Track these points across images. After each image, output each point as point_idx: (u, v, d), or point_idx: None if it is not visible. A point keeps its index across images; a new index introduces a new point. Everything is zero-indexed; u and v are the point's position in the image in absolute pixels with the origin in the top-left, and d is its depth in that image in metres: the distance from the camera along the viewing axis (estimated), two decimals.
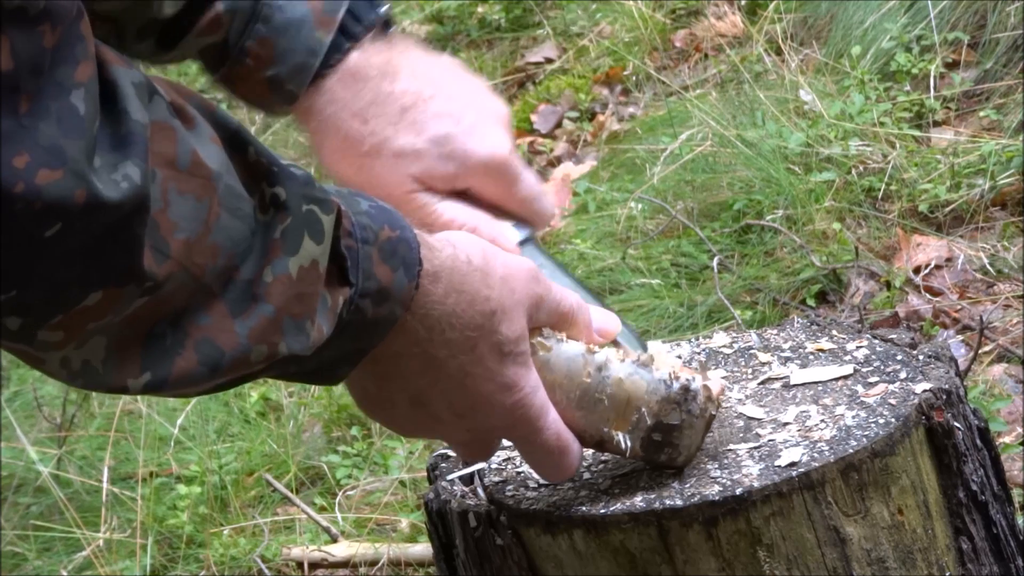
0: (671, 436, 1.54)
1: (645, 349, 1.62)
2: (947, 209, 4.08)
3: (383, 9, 1.72)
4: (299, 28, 1.66)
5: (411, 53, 1.73)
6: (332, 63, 1.69)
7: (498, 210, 1.73)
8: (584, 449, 1.57)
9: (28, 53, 1.11)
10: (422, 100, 1.69)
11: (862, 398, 1.67)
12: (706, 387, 1.54)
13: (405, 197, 1.66)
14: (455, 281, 1.44)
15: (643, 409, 1.53)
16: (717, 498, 1.54)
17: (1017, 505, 2.62)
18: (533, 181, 1.74)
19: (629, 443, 1.54)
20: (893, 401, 1.65)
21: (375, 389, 1.50)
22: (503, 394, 1.48)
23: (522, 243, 1.73)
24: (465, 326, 1.45)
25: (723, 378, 1.80)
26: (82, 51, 1.15)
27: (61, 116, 1.13)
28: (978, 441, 1.69)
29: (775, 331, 1.89)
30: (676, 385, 1.53)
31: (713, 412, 1.55)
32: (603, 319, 1.59)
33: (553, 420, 1.51)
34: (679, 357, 1.85)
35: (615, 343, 1.60)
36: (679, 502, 1.54)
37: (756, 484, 1.54)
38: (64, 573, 3.63)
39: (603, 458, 1.66)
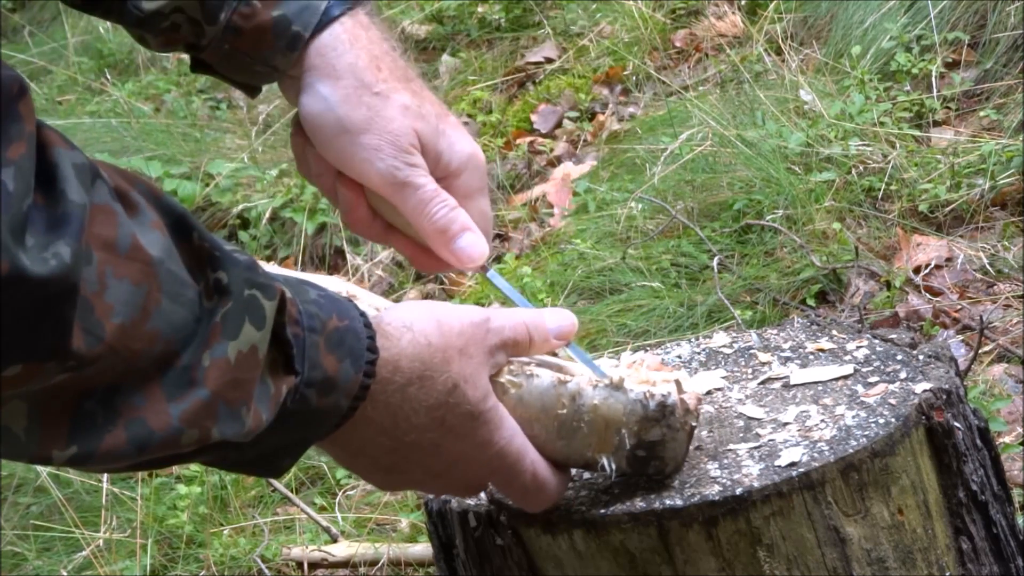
0: (655, 451, 1.54)
1: (597, 368, 1.60)
2: (947, 209, 4.08)
3: None
4: None
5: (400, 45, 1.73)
6: (344, 11, 1.67)
7: None
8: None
9: None
10: (419, 82, 1.69)
11: (862, 398, 1.67)
12: (682, 400, 1.53)
13: (407, 146, 1.64)
14: (416, 367, 1.44)
15: (623, 431, 1.53)
16: (717, 498, 1.54)
17: (1017, 505, 2.62)
18: (489, 207, 1.73)
19: (614, 464, 1.54)
20: (893, 401, 1.65)
21: (347, 461, 1.51)
22: (478, 452, 1.49)
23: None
24: (429, 408, 1.45)
25: (723, 378, 1.80)
26: (16, 131, 1.15)
27: None
28: (978, 441, 1.69)
29: (775, 331, 1.89)
30: (652, 403, 1.52)
31: (693, 423, 1.55)
32: (558, 320, 1.58)
33: (530, 463, 1.52)
34: (661, 359, 1.84)
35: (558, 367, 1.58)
36: (679, 502, 1.54)
37: (756, 484, 1.54)
38: (64, 573, 3.63)
39: None
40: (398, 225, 1.69)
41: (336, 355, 1.38)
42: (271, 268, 1.45)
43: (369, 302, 1.52)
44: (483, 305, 4.36)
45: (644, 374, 1.57)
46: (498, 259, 4.77)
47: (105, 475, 3.79)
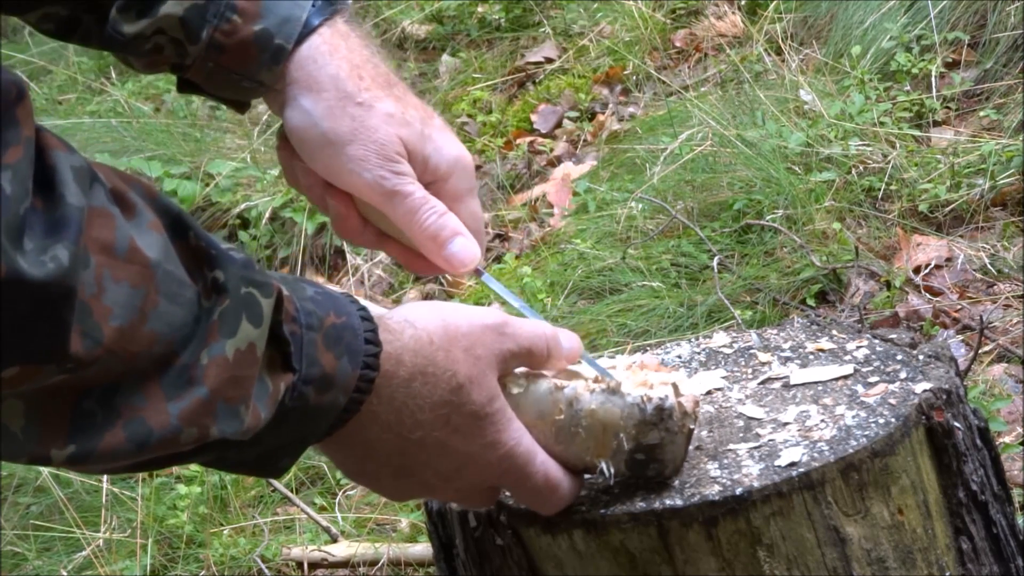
0: (654, 454, 1.54)
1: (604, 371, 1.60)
2: (947, 209, 4.08)
3: (349, 1, 1.71)
4: None
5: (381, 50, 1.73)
6: (322, 21, 1.65)
7: None
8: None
9: None
10: (402, 87, 1.68)
11: (862, 398, 1.67)
12: (680, 403, 1.53)
13: (393, 155, 1.63)
14: (419, 363, 1.44)
15: (621, 435, 1.52)
16: (717, 498, 1.54)
17: (1017, 505, 2.62)
18: (480, 205, 1.73)
19: (613, 468, 1.54)
20: (893, 401, 1.65)
21: (355, 466, 1.50)
22: (487, 452, 1.49)
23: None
24: (435, 405, 1.45)
25: (723, 378, 1.80)
26: (14, 136, 1.15)
27: None
28: (978, 441, 1.69)
29: (775, 331, 1.89)
30: (650, 407, 1.52)
31: (691, 425, 1.55)
32: (568, 343, 1.57)
33: (541, 463, 1.52)
34: (660, 360, 1.84)
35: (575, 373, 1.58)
36: (679, 502, 1.54)
37: (756, 484, 1.54)
38: (64, 573, 3.63)
39: None
40: (390, 232, 1.69)
41: (334, 352, 1.38)
42: None
43: None
44: (482, 306, 4.36)
45: (644, 375, 1.57)
46: (498, 259, 4.77)
47: (105, 475, 3.79)
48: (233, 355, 1.30)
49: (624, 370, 1.59)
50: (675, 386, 1.54)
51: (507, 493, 1.63)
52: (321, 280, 5.05)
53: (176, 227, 1.29)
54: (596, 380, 1.55)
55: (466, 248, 1.64)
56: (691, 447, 1.62)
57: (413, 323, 1.46)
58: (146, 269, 1.24)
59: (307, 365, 1.37)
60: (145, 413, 1.27)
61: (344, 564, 3.50)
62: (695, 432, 1.61)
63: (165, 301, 1.26)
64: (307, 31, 1.65)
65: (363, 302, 1.49)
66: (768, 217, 4.14)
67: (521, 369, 1.54)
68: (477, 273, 1.67)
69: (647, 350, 1.92)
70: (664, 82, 5.25)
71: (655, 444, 1.53)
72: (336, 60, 1.64)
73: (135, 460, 1.30)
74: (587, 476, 1.62)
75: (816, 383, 1.74)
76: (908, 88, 4.57)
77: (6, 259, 1.14)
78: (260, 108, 5.84)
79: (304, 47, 1.64)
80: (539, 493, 1.53)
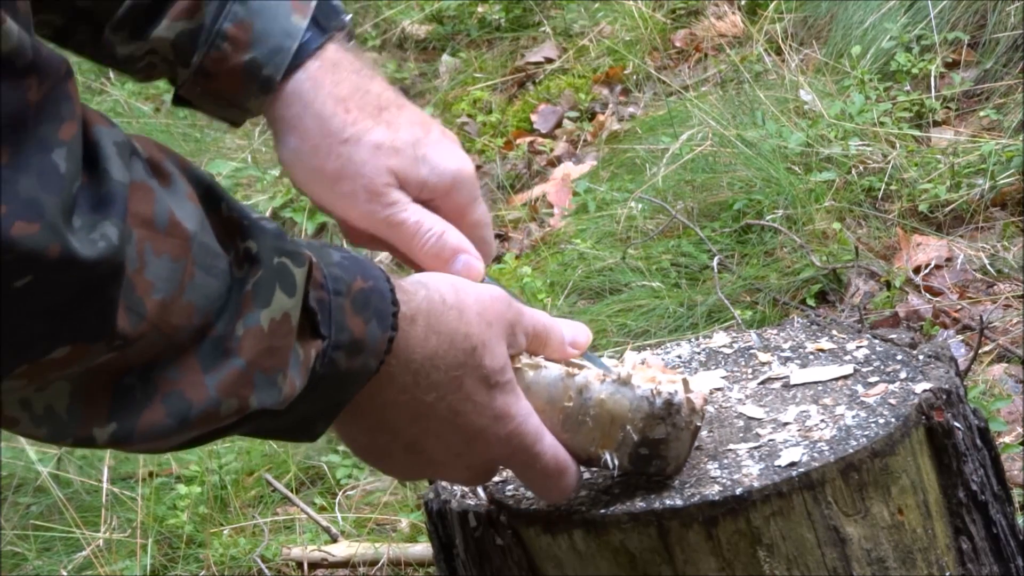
0: (658, 449, 1.54)
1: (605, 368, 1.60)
2: (947, 209, 4.08)
3: (347, 17, 1.71)
4: (275, 11, 1.62)
5: (374, 68, 1.72)
6: (310, 53, 1.65)
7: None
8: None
9: (12, 106, 1.12)
10: (395, 105, 1.67)
11: (862, 398, 1.67)
12: (689, 399, 1.53)
13: (381, 188, 1.63)
14: (432, 322, 1.44)
15: (628, 427, 1.52)
16: (717, 498, 1.54)
17: (1017, 505, 2.62)
18: (486, 210, 1.72)
19: (617, 460, 1.54)
20: (893, 401, 1.65)
21: (367, 440, 1.50)
22: (497, 425, 1.49)
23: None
24: (449, 366, 1.45)
25: (723, 378, 1.80)
26: (68, 110, 1.15)
27: (41, 172, 1.13)
28: (978, 441, 1.69)
29: (775, 331, 1.89)
30: (659, 400, 1.52)
31: (698, 423, 1.55)
32: (574, 331, 1.58)
33: (550, 444, 1.52)
34: (662, 361, 1.84)
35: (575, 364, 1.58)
36: (679, 502, 1.54)
37: (756, 484, 1.54)
38: (64, 573, 3.63)
39: None
40: None
41: (362, 316, 1.38)
42: None
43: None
44: None
45: (652, 373, 1.57)
46: (498, 259, 4.77)
47: (105, 475, 3.79)
48: (268, 325, 1.30)
49: (632, 366, 1.59)
50: (685, 382, 1.54)
51: (508, 490, 1.63)
52: None
53: (209, 197, 1.29)
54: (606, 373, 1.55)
55: (469, 265, 1.64)
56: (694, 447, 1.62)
57: (425, 284, 1.47)
58: (184, 241, 1.24)
59: (336, 331, 1.36)
60: (183, 386, 1.27)
61: (344, 564, 3.50)
62: (700, 431, 1.61)
63: (201, 272, 1.26)
64: (295, 64, 1.64)
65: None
66: (768, 217, 4.14)
67: (525, 356, 1.54)
68: (481, 280, 1.68)
69: (644, 350, 1.92)
70: (664, 82, 5.25)
71: (661, 439, 1.53)
72: (321, 97, 1.64)
73: (180, 438, 1.30)
74: (587, 475, 1.62)
75: (816, 383, 1.74)
76: (908, 88, 4.57)
77: (59, 239, 1.13)
78: None
79: (290, 83, 1.64)
80: (547, 476, 1.53)
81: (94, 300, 1.18)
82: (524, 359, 1.53)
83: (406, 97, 1.72)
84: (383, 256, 4.94)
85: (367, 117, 1.65)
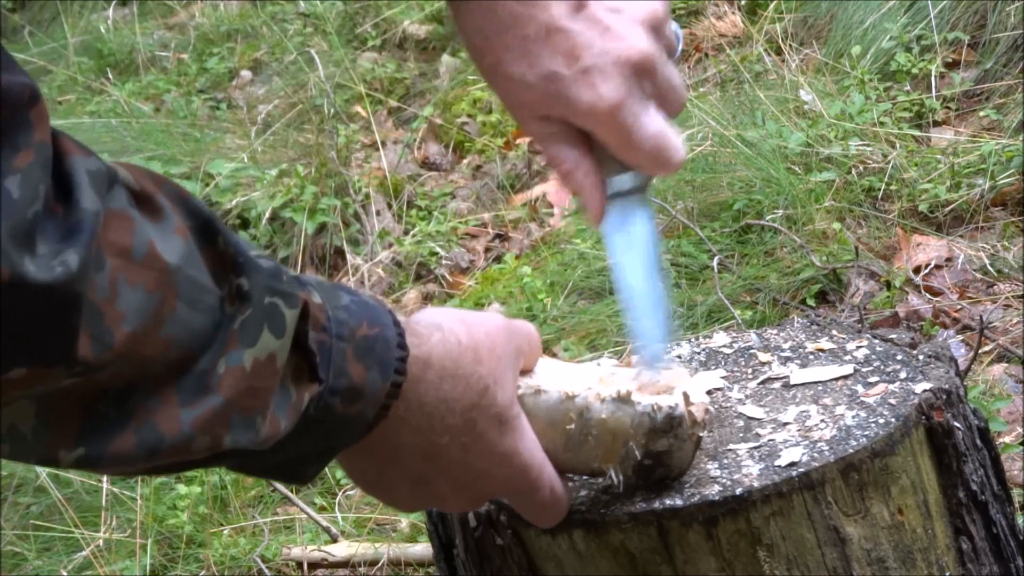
0: (661, 460, 1.54)
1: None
2: (947, 209, 4.08)
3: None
4: None
5: None
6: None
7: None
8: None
9: None
10: (552, 29, 1.54)
11: (862, 398, 1.67)
12: (690, 412, 1.53)
13: (524, 118, 1.56)
14: (448, 366, 1.43)
15: (630, 443, 1.52)
16: (717, 498, 1.54)
17: (1017, 505, 2.62)
18: (654, 126, 1.56)
19: (621, 476, 1.54)
20: (893, 401, 1.65)
21: (375, 475, 1.49)
22: (504, 462, 1.48)
23: (617, 195, 1.60)
24: (464, 409, 1.44)
25: (723, 378, 1.80)
26: (25, 140, 1.14)
27: None
28: (978, 441, 1.69)
29: (775, 331, 1.89)
30: (660, 416, 1.52)
31: (700, 434, 1.55)
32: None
33: (549, 476, 1.51)
34: (675, 361, 1.84)
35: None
36: (679, 502, 1.54)
37: (756, 484, 1.54)
38: (64, 573, 3.63)
39: None
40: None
41: (364, 363, 1.37)
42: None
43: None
44: (482, 306, 4.36)
45: (650, 384, 1.56)
46: (498, 259, 4.78)
47: (120, 476, 3.79)
48: (251, 365, 1.29)
49: (597, 381, 1.57)
50: (686, 395, 1.54)
51: None
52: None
53: (205, 231, 1.28)
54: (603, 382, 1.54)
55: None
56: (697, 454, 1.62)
57: (440, 326, 1.45)
58: (164, 275, 1.23)
59: (335, 376, 1.35)
60: (157, 418, 1.26)
61: (344, 564, 3.50)
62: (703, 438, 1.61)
63: (185, 306, 1.25)
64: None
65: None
66: (768, 217, 4.14)
67: (522, 381, 1.53)
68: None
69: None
70: None
71: (664, 451, 1.53)
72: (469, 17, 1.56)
73: (147, 465, 1.29)
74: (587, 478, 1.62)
75: (816, 383, 1.74)
76: (908, 88, 4.57)
77: (7, 262, 1.13)
78: (260, 108, 5.84)
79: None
80: (544, 507, 1.53)
81: (51, 325, 1.16)
82: (522, 384, 1.53)
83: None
84: (384, 255, 4.94)
85: (504, 49, 1.54)
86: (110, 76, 6.37)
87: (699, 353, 1.87)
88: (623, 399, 1.52)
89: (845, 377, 1.73)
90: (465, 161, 5.39)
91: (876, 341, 1.80)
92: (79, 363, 1.19)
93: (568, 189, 1.59)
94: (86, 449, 1.24)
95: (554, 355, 1.63)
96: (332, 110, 5.60)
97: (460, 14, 1.57)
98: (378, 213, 5.13)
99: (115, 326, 1.20)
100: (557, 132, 1.56)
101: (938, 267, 3.90)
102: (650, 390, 1.53)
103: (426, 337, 1.43)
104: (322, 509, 3.70)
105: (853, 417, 1.63)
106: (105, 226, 1.20)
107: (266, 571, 3.48)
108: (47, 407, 1.23)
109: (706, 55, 5.34)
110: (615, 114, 1.54)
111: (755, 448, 1.62)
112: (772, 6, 5.16)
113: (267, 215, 5.08)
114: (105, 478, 3.76)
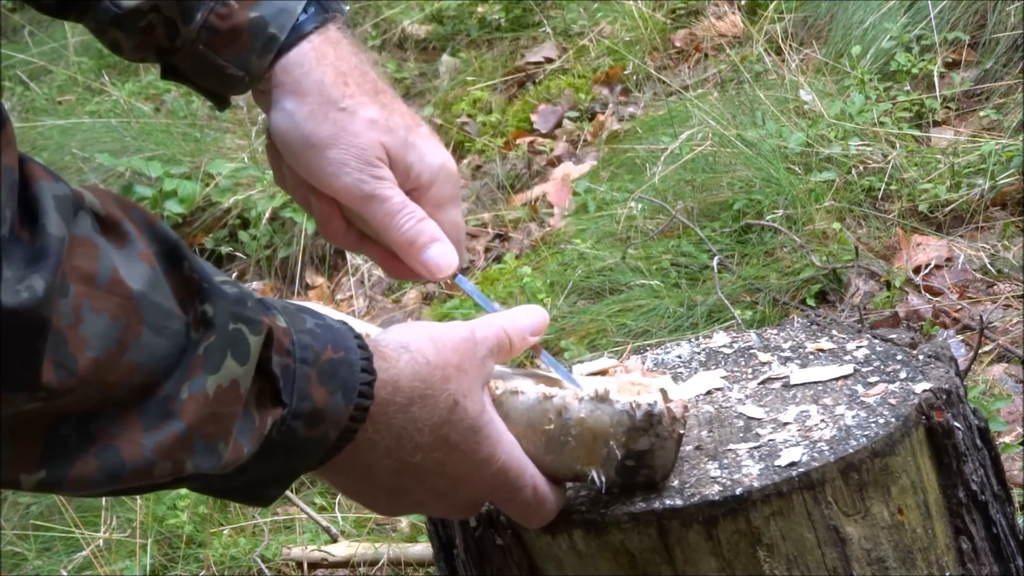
0: (644, 460, 1.54)
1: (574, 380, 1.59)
2: (947, 209, 4.08)
3: (346, 7, 1.72)
4: None
5: (372, 59, 1.73)
6: (313, 27, 1.67)
7: None
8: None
9: None
10: (390, 94, 1.69)
11: (862, 398, 1.67)
12: (669, 408, 1.53)
13: (373, 160, 1.64)
14: (417, 387, 1.44)
15: (611, 442, 1.52)
16: (717, 498, 1.54)
17: (1017, 505, 2.62)
18: (462, 215, 1.72)
19: (604, 476, 1.54)
20: (893, 401, 1.65)
21: (353, 488, 1.50)
22: (482, 468, 1.49)
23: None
24: (433, 427, 1.45)
25: (723, 378, 1.80)
26: None
27: None
28: (978, 441, 1.69)
29: (775, 331, 1.89)
30: (639, 413, 1.52)
31: (681, 431, 1.54)
32: (530, 320, 1.57)
33: (531, 476, 1.52)
34: (642, 364, 1.83)
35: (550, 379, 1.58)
36: (679, 502, 1.54)
37: (756, 484, 1.54)
38: (64, 573, 3.63)
39: None
40: (372, 235, 1.70)
41: (327, 387, 1.37)
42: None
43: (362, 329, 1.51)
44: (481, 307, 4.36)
45: (631, 377, 1.57)
46: (498, 259, 4.77)
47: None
48: (214, 391, 1.29)
49: (585, 376, 1.58)
50: (664, 392, 1.53)
51: None
52: (320, 280, 5.05)
53: (171, 256, 1.28)
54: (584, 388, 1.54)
55: (443, 254, 1.65)
56: (691, 447, 1.62)
57: (407, 347, 1.45)
58: (128, 301, 1.23)
59: (298, 400, 1.36)
60: (119, 443, 1.26)
61: (344, 564, 3.50)
62: (687, 436, 1.61)
63: (149, 332, 1.24)
64: (297, 36, 1.66)
65: (354, 322, 1.49)
66: (768, 217, 4.14)
67: (500, 382, 1.53)
68: (452, 276, 1.68)
69: (647, 350, 1.92)
70: (664, 82, 5.25)
71: (645, 450, 1.53)
72: (322, 66, 1.65)
73: (108, 489, 1.29)
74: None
75: (816, 383, 1.74)
76: (908, 88, 4.57)
77: None
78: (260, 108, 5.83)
79: (293, 52, 1.66)
80: (528, 507, 1.53)
81: (15, 350, 1.16)
82: (500, 386, 1.53)
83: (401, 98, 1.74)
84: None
85: (364, 94, 1.66)
86: (109, 76, 6.37)
87: (699, 353, 1.87)
88: (601, 398, 1.52)
89: (845, 377, 1.73)
90: (465, 161, 5.39)
91: (876, 341, 1.80)
92: (43, 389, 1.19)
93: (413, 242, 1.66)
94: (47, 472, 1.24)
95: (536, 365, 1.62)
96: None
97: (304, 62, 1.66)
98: None
99: (79, 352, 1.20)
100: (397, 185, 1.67)
101: (938, 267, 3.90)
102: (628, 389, 1.54)
103: (394, 360, 1.43)
104: (322, 509, 3.70)
105: (853, 417, 1.63)
106: (69, 252, 1.19)
107: (266, 571, 3.48)
108: (9, 430, 1.22)
109: (706, 55, 5.34)
110: (457, 180, 1.72)
111: (755, 448, 1.62)
112: (772, 6, 5.15)
113: (267, 215, 5.08)
114: None
